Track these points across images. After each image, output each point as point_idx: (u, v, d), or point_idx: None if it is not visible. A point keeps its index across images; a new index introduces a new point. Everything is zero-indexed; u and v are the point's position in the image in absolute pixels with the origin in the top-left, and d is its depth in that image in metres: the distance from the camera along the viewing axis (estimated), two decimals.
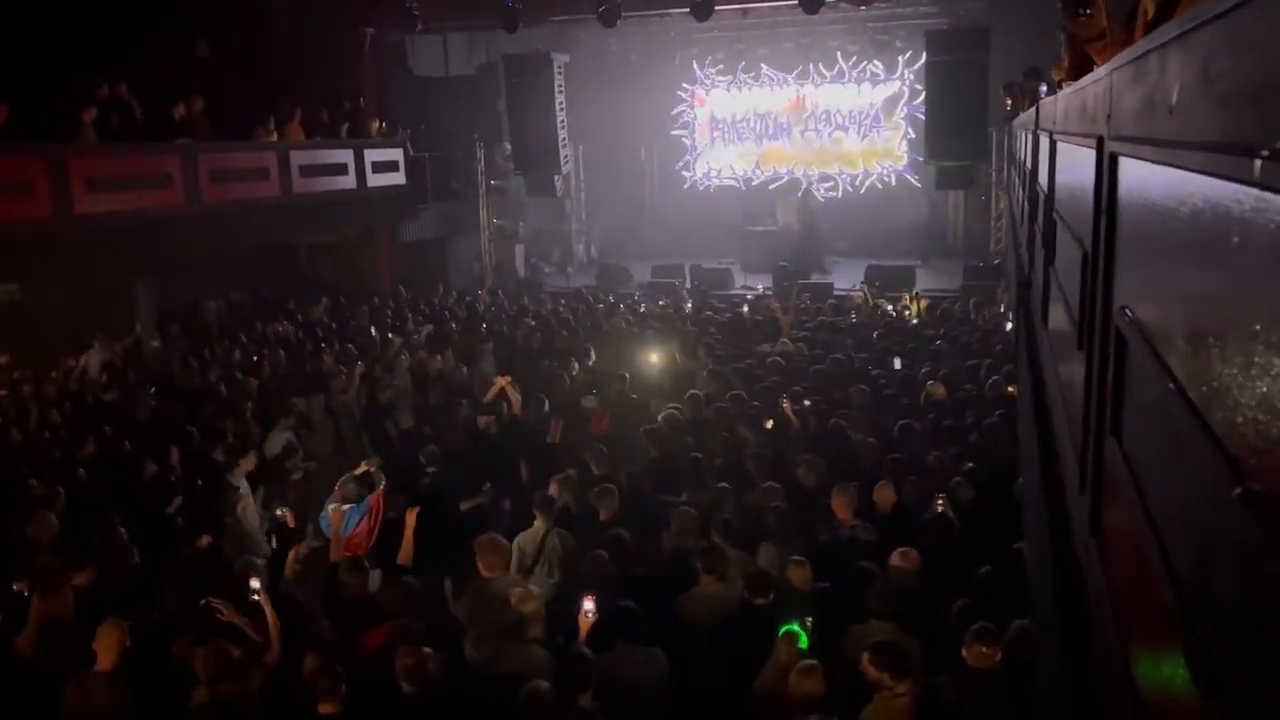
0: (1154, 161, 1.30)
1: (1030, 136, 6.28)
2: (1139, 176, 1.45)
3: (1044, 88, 9.39)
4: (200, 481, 7.54)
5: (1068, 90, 3.09)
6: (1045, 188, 3.99)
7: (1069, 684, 2.14)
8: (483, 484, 7.69)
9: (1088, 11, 2.94)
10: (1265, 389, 0.83)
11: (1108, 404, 1.63)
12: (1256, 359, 0.85)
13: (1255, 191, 0.79)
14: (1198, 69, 1.00)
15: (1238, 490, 0.83)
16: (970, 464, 6.96)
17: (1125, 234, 1.60)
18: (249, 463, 7.57)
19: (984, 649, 4.50)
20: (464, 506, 7.32)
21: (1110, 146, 1.72)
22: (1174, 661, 1.19)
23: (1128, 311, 1.48)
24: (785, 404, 8.02)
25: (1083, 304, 2.10)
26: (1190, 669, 1.08)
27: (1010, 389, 8.31)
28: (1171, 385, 1.12)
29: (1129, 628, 1.52)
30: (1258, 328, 0.85)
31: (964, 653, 4.55)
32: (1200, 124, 1.00)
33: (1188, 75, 1.06)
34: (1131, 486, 1.40)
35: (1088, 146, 2.13)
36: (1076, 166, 2.55)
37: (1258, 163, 0.76)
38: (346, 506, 6.58)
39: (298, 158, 14.43)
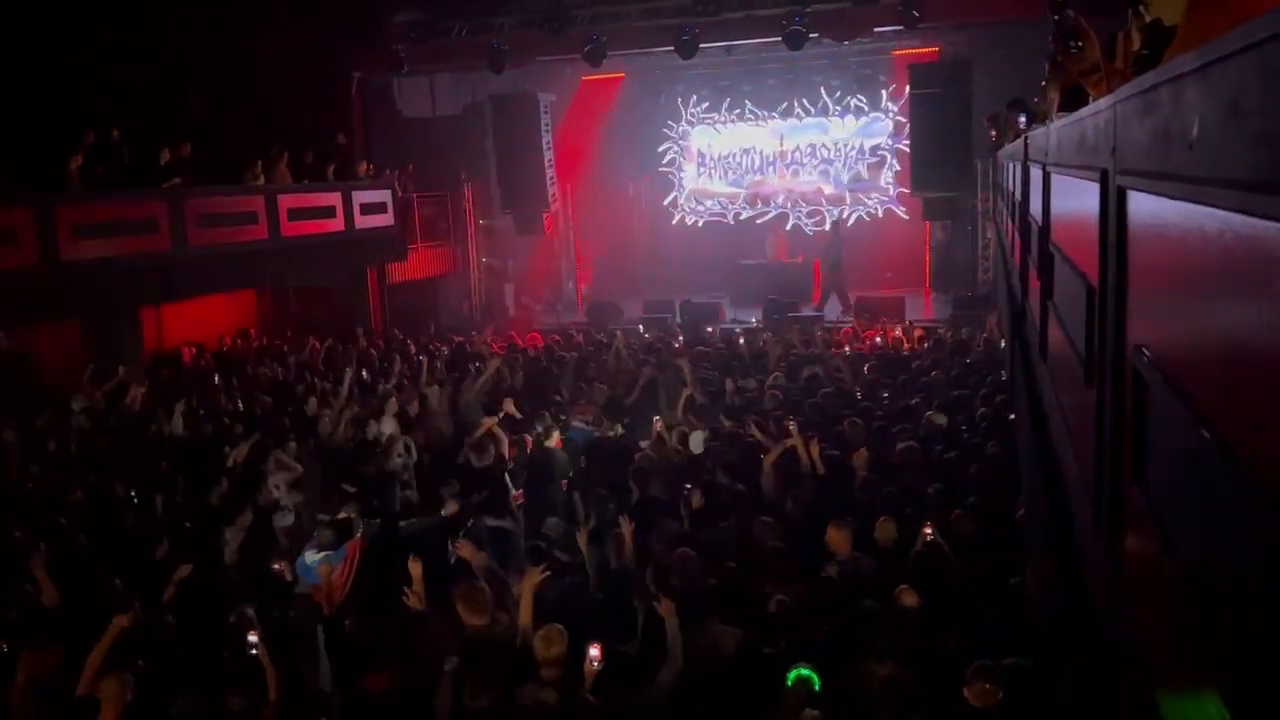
0: (1171, 197, 1.26)
1: (1019, 168, 6.27)
2: (1153, 212, 1.41)
3: (1023, 119, 9.45)
4: (187, 527, 7.39)
5: (1062, 122, 3.07)
6: (1039, 220, 3.96)
7: None
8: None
9: (1079, 45, 2.93)
10: None
11: (1126, 446, 1.57)
12: None
13: None
14: (1225, 103, 0.96)
15: None
16: (972, 498, 6.88)
17: (1138, 270, 1.56)
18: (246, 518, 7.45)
19: (986, 686, 4.43)
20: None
21: (1117, 180, 1.68)
22: (1209, 712, 1.13)
23: (1145, 351, 1.43)
24: (792, 431, 7.84)
25: (1090, 340, 2.06)
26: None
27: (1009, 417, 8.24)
28: (1205, 432, 1.06)
29: (1159, 675, 1.46)
30: None
31: (965, 691, 4.47)
32: (1229, 159, 0.95)
33: (1212, 109, 1.02)
34: (1158, 533, 1.34)
35: (1089, 180, 2.10)
36: (1076, 199, 2.52)
37: None
38: (322, 554, 6.45)
39: (285, 201, 14.41)
